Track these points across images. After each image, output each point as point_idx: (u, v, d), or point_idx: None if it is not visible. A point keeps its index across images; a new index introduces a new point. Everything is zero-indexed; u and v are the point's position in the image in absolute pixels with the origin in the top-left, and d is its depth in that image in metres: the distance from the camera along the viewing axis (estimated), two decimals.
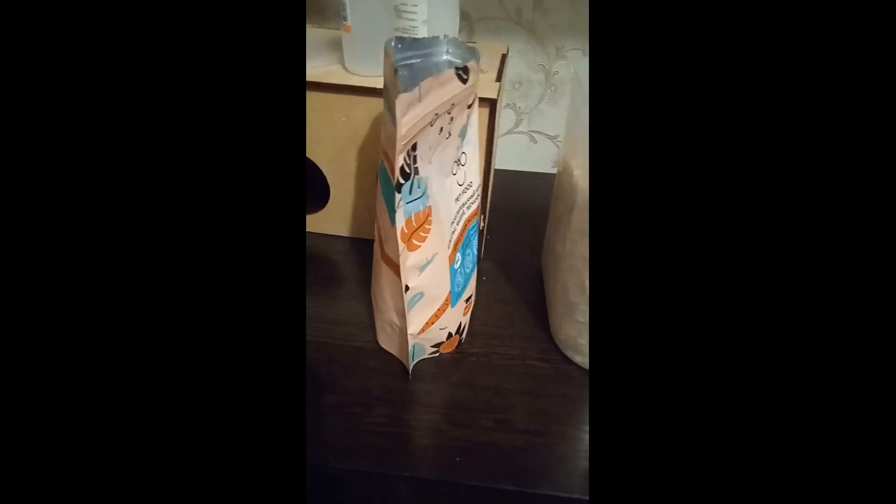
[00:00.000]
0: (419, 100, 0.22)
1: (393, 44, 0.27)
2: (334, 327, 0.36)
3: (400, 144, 0.22)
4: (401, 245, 0.25)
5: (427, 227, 0.27)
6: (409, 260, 0.26)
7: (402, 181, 0.24)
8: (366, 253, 0.43)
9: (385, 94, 0.27)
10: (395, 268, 0.28)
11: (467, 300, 0.33)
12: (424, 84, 0.22)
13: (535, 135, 0.59)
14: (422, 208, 0.26)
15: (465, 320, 0.34)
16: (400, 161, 0.23)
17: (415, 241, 0.26)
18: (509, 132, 0.59)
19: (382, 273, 0.29)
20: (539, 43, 0.53)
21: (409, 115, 0.22)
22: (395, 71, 0.23)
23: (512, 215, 0.49)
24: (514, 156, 0.60)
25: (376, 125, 0.37)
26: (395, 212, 0.25)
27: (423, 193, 0.26)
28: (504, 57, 0.42)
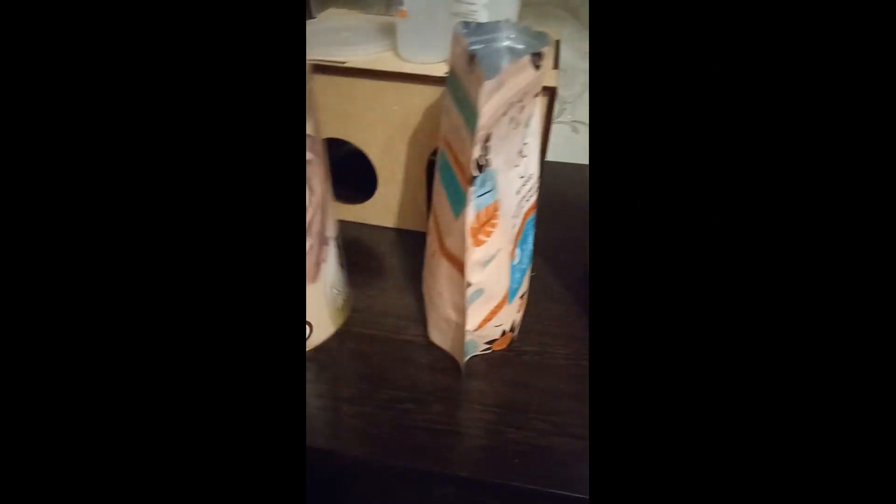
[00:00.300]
0: (499, 87, 0.21)
1: (462, 28, 0.25)
2: (383, 320, 0.35)
3: (481, 134, 0.21)
4: (468, 240, 0.24)
5: (494, 221, 0.26)
6: (474, 255, 0.25)
7: (476, 174, 0.23)
8: (412, 244, 0.43)
9: (452, 82, 0.26)
10: (457, 262, 0.27)
11: (522, 297, 0.32)
12: (506, 71, 0.21)
13: (577, 125, 0.57)
14: (491, 202, 0.25)
15: (518, 317, 0.33)
16: (477, 152, 0.22)
17: (481, 237, 0.25)
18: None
19: (440, 268, 0.28)
20: (585, 29, 0.51)
21: (490, 104, 0.21)
22: (472, 57, 0.22)
23: (555, 207, 0.48)
24: (555, 146, 0.58)
25: (430, 114, 0.36)
26: (464, 205, 0.24)
27: (493, 187, 0.25)
28: (558, 43, 0.40)
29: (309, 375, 0.31)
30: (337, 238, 0.31)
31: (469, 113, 0.22)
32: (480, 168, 0.23)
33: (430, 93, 0.35)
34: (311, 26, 0.41)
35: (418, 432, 0.28)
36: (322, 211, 0.28)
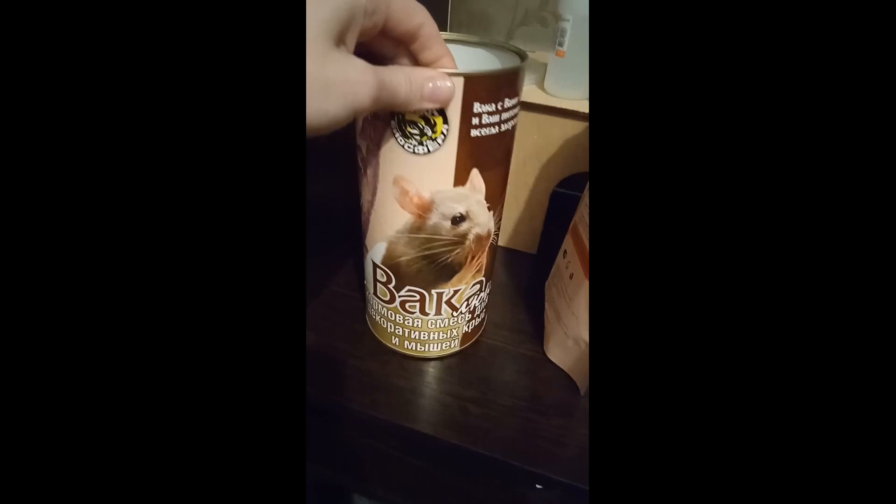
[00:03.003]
0: None
1: None
2: (500, 331, 0.37)
3: None
4: None
5: None
6: None
7: None
8: (522, 263, 0.45)
9: None
10: None
11: None
12: None
13: None
14: None
15: None
16: None
17: None
18: None
19: (582, 289, 0.30)
20: None
21: None
22: None
23: None
24: None
25: (565, 145, 0.39)
26: None
27: None
28: None
29: (437, 374, 0.34)
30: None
31: None
32: None
33: (570, 126, 0.38)
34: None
35: (541, 440, 0.29)
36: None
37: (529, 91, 0.39)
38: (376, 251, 0.30)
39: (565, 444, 0.29)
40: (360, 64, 0.18)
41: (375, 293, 0.32)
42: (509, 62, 0.28)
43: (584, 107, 0.37)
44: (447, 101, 0.22)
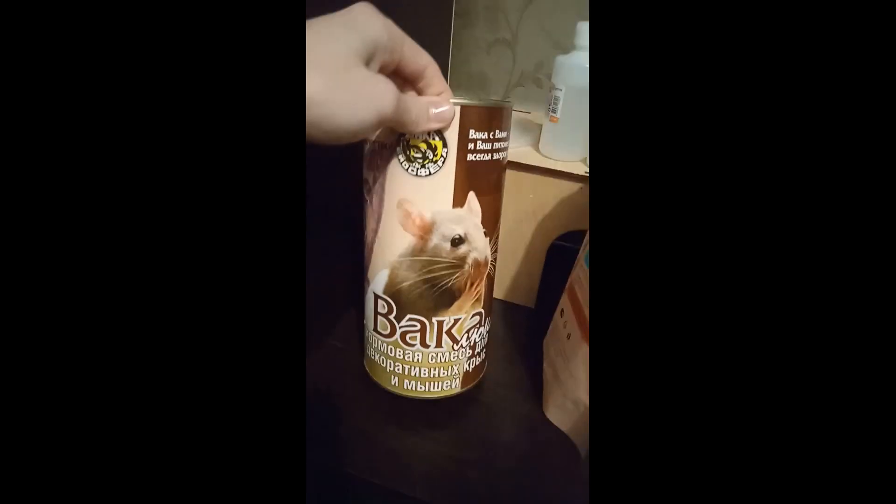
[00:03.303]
0: None
1: None
2: (498, 389, 0.37)
3: None
4: None
5: None
6: None
7: None
8: (520, 317, 0.45)
9: None
10: None
11: None
12: None
13: None
14: None
15: None
16: None
17: None
18: None
19: (580, 351, 0.30)
20: None
21: None
22: None
23: None
24: None
25: (561, 204, 0.40)
26: None
27: None
28: None
29: (434, 435, 0.33)
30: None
31: None
32: None
33: (565, 186, 0.39)
34: None
35: None
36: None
37: (526, 152, 0.40)
38: (378, 281, 0.31)
39: None
40: (384, 79, 0.21)
41: (376, 328, 0.33)
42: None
43: (577, 168, 0.38)
44: (449, 122, 0.26)
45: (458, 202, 0.28)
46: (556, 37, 0.63)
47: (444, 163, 0.27)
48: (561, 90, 0.37)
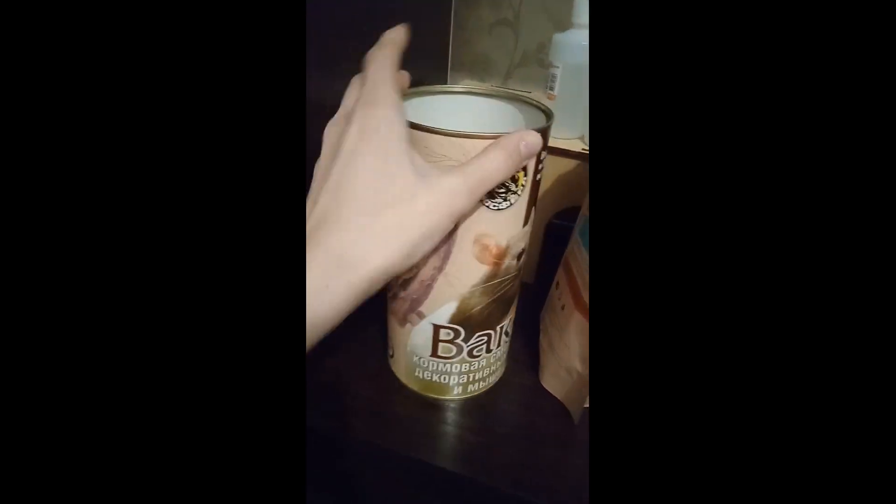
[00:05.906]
0: None
1: None
2: None
3: None
4: None
5: None
6: None
7: None
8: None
9: None
10: None
11: None
12: None
13: None
14: None
15: None
16: None
17: None
18: None
19: (573, 320, 0.31)
20: None
21: None
22: None
23: None
24: None
25: (558, 181, 0.41)
26: None
27: None
28: None
29: (439, 408, 0.35)
30: None
31: None
32: None
33: (563, 163, 0.40)
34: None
35: (534, 475, 0.30)
36: None
37: None
38: (441, 313, 0.30)
39: (562, 475, 0.30)
40: (441, 172, 0.22)
41: (435, 354, 0.32)
42: (526, 112, 0.30)
43: (575, 146, 0.39)
44: (537, 151, 0.25)
45: (527, 221, 0.28)
46: (558, 17, 0.62)
47: (523, 190, 0.26)
48: (558, 68, 0.37)
